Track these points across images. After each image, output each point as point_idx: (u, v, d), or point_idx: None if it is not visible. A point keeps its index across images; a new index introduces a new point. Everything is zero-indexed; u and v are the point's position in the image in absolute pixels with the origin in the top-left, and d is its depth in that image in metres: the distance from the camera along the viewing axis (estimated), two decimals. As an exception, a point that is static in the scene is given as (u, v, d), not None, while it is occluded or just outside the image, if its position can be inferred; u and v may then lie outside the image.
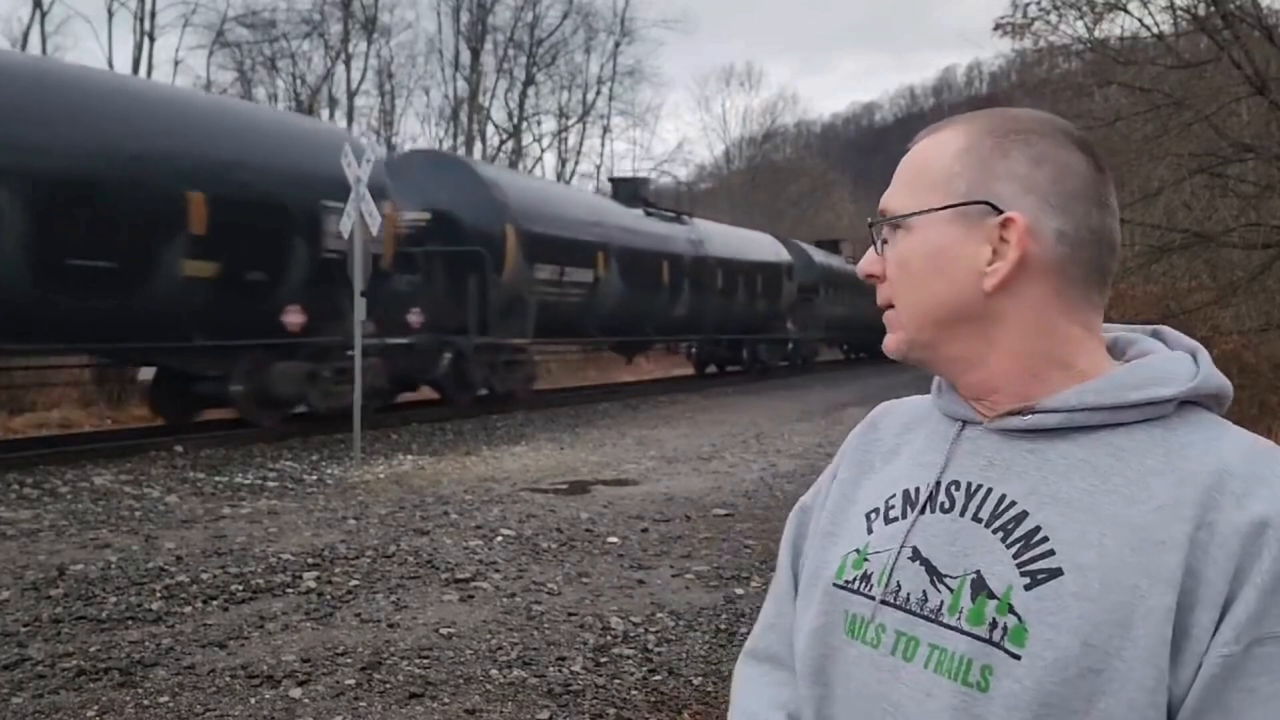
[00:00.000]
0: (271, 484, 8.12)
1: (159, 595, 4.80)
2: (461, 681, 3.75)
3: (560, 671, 3.87)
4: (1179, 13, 11.61)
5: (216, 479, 8.23)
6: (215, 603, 4.71)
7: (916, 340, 0.91)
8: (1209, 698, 0.75)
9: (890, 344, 0.94)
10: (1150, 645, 0.75)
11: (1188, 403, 0.85)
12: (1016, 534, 0.82)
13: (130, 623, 4.39)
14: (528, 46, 37.40)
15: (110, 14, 27.86)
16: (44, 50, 26.34)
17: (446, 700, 3.58)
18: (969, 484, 0.87)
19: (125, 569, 5.27)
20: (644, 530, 6.41)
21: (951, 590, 0.83)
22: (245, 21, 31.13)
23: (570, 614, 4.59)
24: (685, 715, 3.50)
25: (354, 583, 5.05)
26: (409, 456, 9.82)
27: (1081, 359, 0.87)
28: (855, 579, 0.90)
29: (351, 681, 3.72)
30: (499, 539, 6.10)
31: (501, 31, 36.90)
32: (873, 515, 0.93)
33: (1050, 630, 0.77)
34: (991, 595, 0.81)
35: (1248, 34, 9.45)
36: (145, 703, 3.51)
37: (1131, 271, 11.94)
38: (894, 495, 0.92)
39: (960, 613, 0.82)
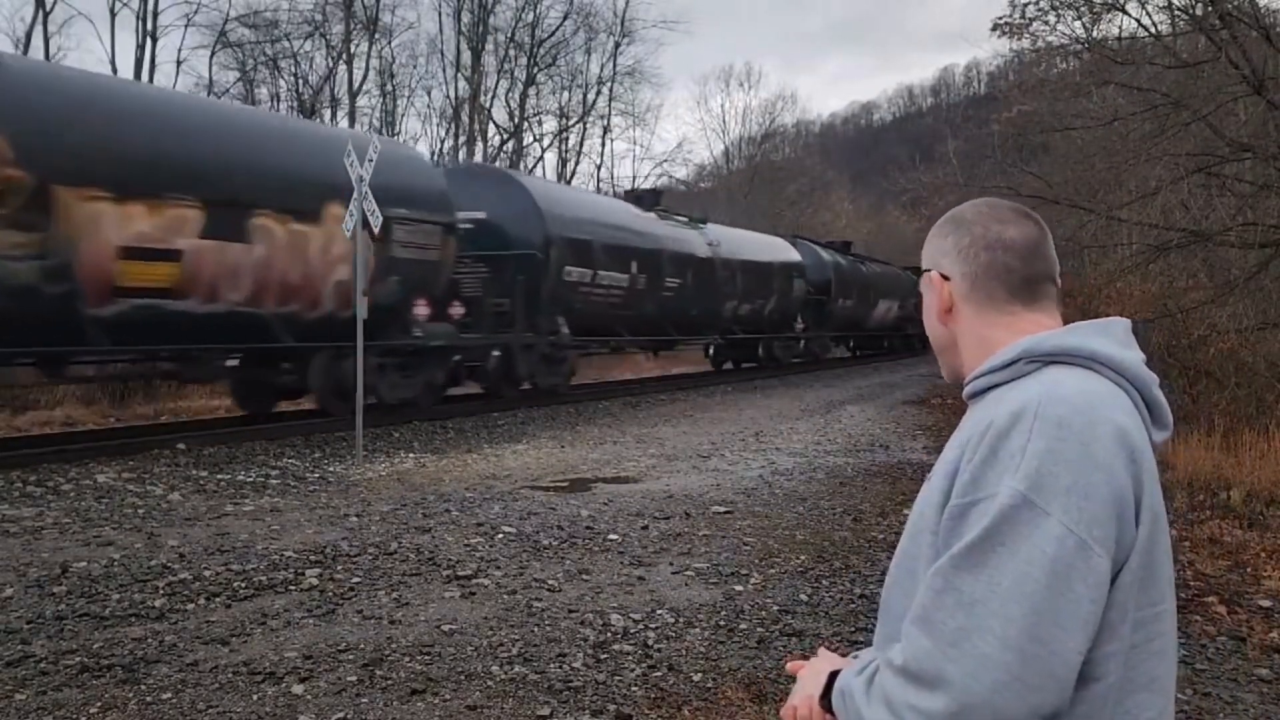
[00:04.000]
0: (274, 482, 8.15)
1: (162, 592, 4.82)
2: (463, 678, 3.78)
3: (561, 668, 3.90)
4: (1176, 13, 11.65)
5: (219, 477, 8.26)
6: (218, 600, 4.74)
7: (954, 364, 1.35)
8: (944, 539, 1.11)
9: (944, 371, 1.39)
10: (934, 506, 1.16)
11: (1055, 363, 1.17)
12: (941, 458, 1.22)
13: (133, 620, 4.42)
14: (528, 47, 37.40)
15: (113, 14, 27.84)
16: (45, 51, 26.35)
17: (448, 697, 3.60)
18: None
19: (128, 566, 5.30)
20: (644, 527, 6.44)
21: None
22: (247, 22, 31.14)
23: (571, 611, 4.62)
24: (685, 711, 3.53)
25: (356, 580, 5.08)
26: (410, 454, 9.84)
27: (999, 347, 1.24)
28: None
29: (353, 678, 3.75)
30: (500, 536, 6.12)
31: (502, 32, 36.91)
32: None
33: (919, 501, 1.21)
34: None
35: (1245, 34, 9.48)
36: (148, 699, 3.54)
37: (1129, 270, 11.98)
38: None
39: None
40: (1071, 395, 1.10)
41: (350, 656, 3.97)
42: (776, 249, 24.77)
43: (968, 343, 1.29)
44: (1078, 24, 12.95)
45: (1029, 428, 1.07)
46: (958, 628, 1.05)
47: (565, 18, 38.02)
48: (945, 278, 1.30)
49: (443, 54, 36.87)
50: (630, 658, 4.03)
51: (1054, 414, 1.08)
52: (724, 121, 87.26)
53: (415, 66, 40.72)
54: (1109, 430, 1.08)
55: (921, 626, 1.07)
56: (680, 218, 21.06)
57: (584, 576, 5.24)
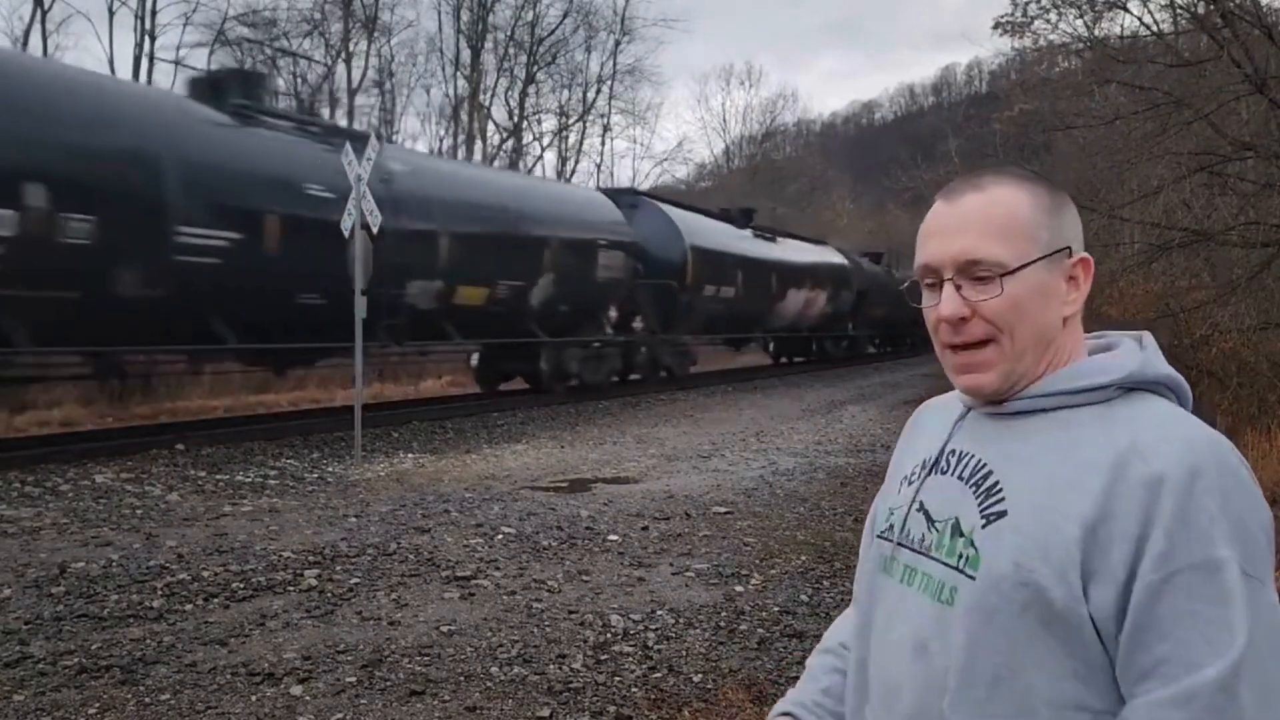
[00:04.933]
0: (272, 482, 8.13)
1: (160, 593, 4.81)
2: (462, 679, 3.76)
3: (560, 669, 3.88)
4: (1178, 11, 11.62)
5: (217, 477, 8.24)
6: (216, 600, 4.72)
7: (1016, 369, 1.10)
8: (1143, 616, 0.95)
9: (987, 380, 1.11)
10: (1061, 566, 0.99)
11: (1136, 389, 1.08)
12: (982, 487, 1.09)
13: (131, 620, 4.41)
14: (528, 45, 37.40)
15: (111, 13, 27.84)
16: (44, 49, 26.35)
17: (447, 698, 3.59)
18: (961, 452, 1.15)
19: (126, 567, 5.29)
20: (644, 528, 6.42)
21: (939, 532, 1.11)
22: (246, 20, 31.12)
23: (570, 611, 4.60)
24: (685, 713, 3.51)
25: (355, 580, 5.06)
26: (410, 454, 9.83)
27: (1071, 358, 1.13)
28: (887, 529, 1.19)
29: (352, 679, 3.73)
30: (499, 537, 6.11)
31: (502, 30, 36.91)
32: (903, 480, 1.21)
33: (993, 556, 1.03)
34: (961, 534, 1.08)
35: (1247, 32, 9.45)
36: (146, 700, 3.52)
37: (1131, 270, 11.96)
38: (918, 464, 1.20)
39: (944, 549, 1.09)
40: (1219, 438, 1.01)
41: (349, 657, 3.95)
42: (833, 258, 29.00)
43: (1044, 342, 1.10)
44: (1079, 23, 12.94)
45: (1205, 485, 0.96)
46: None
47: (565, 16, 38.07)
48: (1087, 262, 1.13)
49: (442, 52, 36.91)
50: (630, 659, 4.02)
51: (1232, 465, 0.99)
52: (724, 120, 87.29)
53: (414, 65, 40.65)
54: (1249, 473, 1.01)
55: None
56: (765, 233, 24.59)
57: (584, 577, 5.22)
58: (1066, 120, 13.99)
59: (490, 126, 37.11)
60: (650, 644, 4.19)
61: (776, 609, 4.71)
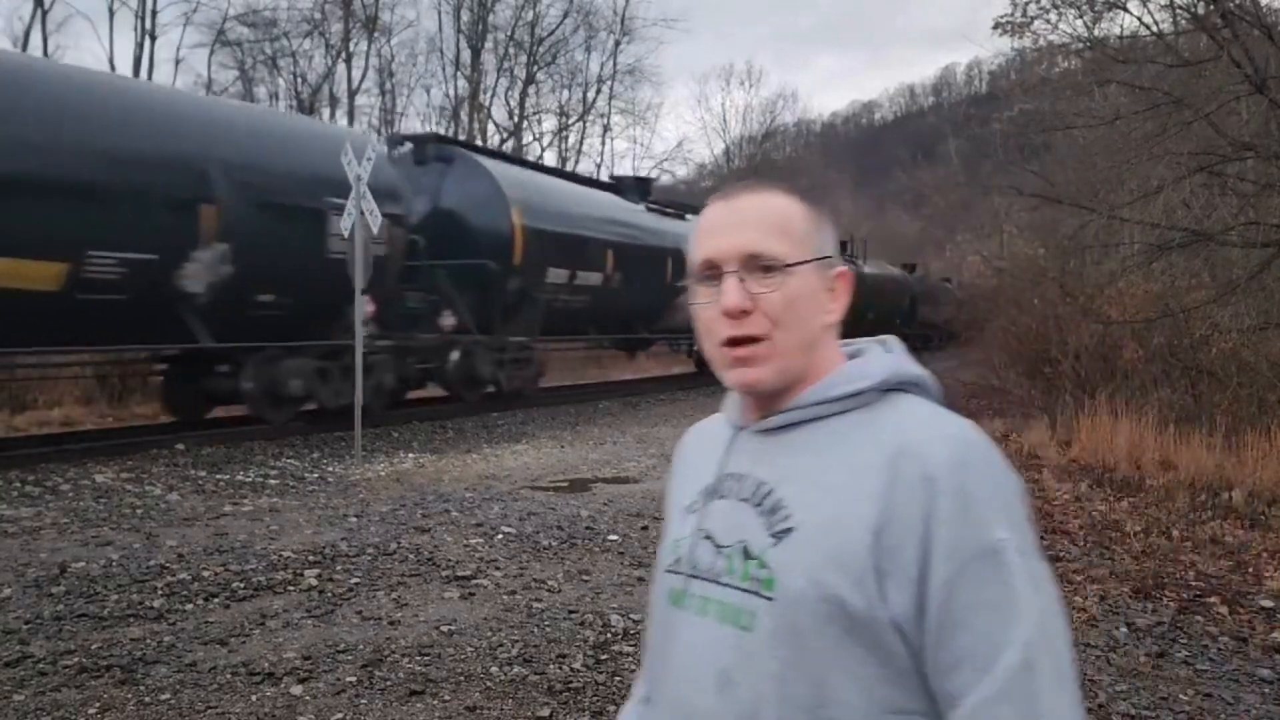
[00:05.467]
0: (273, 482, 8.14)
1: (160, 593, 4.81)
2: (462, 679, 3.77)
3: (561, 669, 3.89)
4: (1178, 11, 11.63)
5: (218, 477, 8.25)
6: (216, 600, 4.73)
7: (789, 368, 1.11)
8: (943, 612, 0.98)
9: (764, 375, 1.10)
10: (856, 574, 1.00)
11: (892, 391, 1.12)
12: (766, 506, 1.08)
13: (131, 620, 4.41)
14: (528, 45, 37.40)
15: (111, 13, 27.86)
16: (44, 49, 26.35)
17: (447, 698, 3.59)
18: (739, 474, 1.14)
19: (127, 566, 5.29)
20: (644, 528, 6.42)
21: (727, 557, 1.09)
22: (246, 20, 31.15)
23: (571, 611, 4.61)
24: (685, 712, 3.51)
25: (355, 580, 5.07)
26: (410, 454, 9.83)
27: (829, 366, 1.15)
28: (674, 562, 1.16)
29: (352, 679, 3.73)
30: (499, 536, 6.11)
31: (502, 30, 36.92)
32: (686, 511, 1.19)
33: (787, 574, 1.03)
34: (751, 556, 1.06)
35: (1247, 32, 9.45)
36: (146, 700, 3.53)
37: (1131, 270, 11.96)
38: (697, 493, 1.18)
39: (735, 574, 1.07)
40: (971, 427, 1.08)
41: (349, 657, 3.96)
42: (893, 271, 31.58)
43: (809, 346, 1.12)
44: (1079, 23, 12.96)
45: (975, 474, 1.01)
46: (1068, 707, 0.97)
47: (565, 16, 38.06)
48: (845, 275, 1.17)
49: (442, 52, 37.00)
50: (630, 659, 4.02)
51: (989, 450, 1.05)
52: (724, 120, 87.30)
53: (414, 65, 40.72)
54: (998, 451, 1.07)
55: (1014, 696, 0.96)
56: (670, 211, 21.00)
57: (584, 577, 5.23)
58: (1066, 120, 14.00)
59: (490, 126, 37.14)
60: (650, 644, 4.19)
61: (776, 609, 4.71)
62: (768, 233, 1.11)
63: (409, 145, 15.09)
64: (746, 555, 1.07)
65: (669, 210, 20.01)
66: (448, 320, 13.71)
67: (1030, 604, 0.98)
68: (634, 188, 19.44)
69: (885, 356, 1.17)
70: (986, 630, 0.97)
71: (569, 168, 39.78)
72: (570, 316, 16.04)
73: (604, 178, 30.00)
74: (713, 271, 1.11)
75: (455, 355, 13.47)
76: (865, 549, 0.99)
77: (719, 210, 1.14)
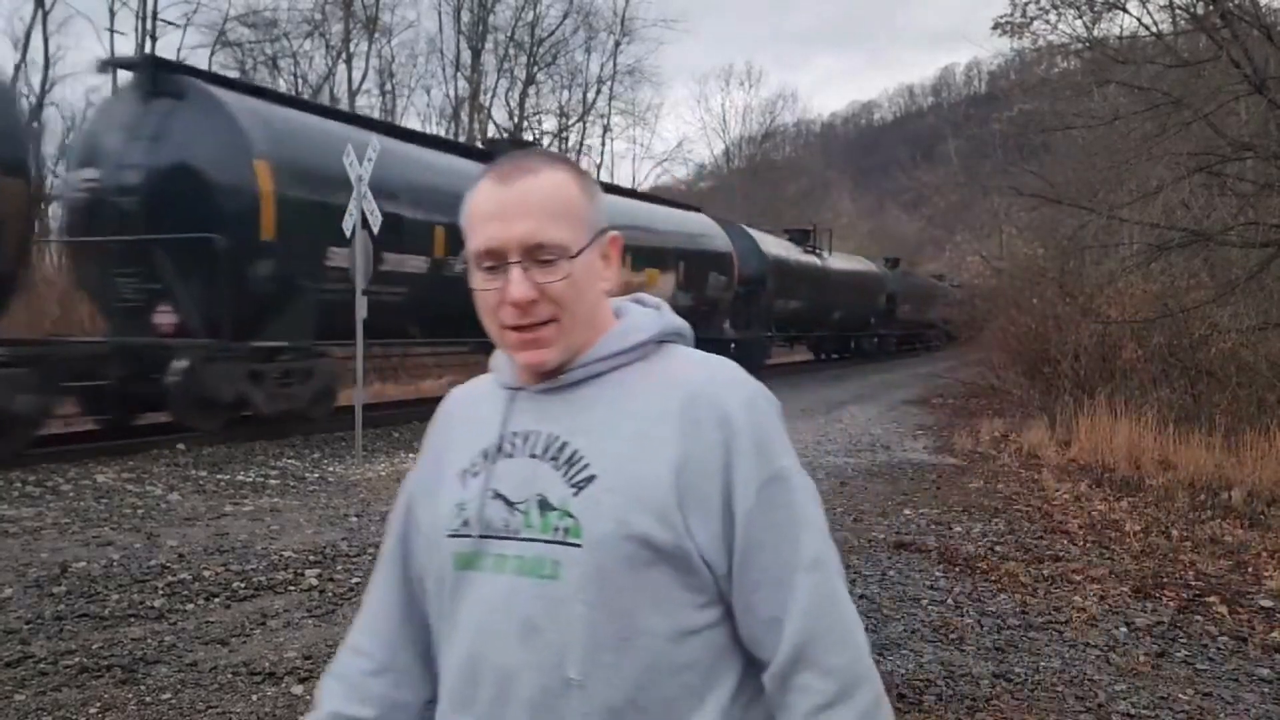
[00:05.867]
0: (273, 482, 8.14)
1: (161, 593, 4.82)
2: (463, 678, 3.76)
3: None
4: (1178, 12, 11.63)
5: (218, 477, 8.25)
6: (217, 600, 4.73)
7: (573, 344, 1.15)
8: (747, 536, 1.08)
9: (552, 355, 1.13)
10: (661, 511, 1.06)
11: (663, 342, 1.19)
12: (562, 459, 1.12)
13: (132, 620, 4.41)
14: (528, 46, 37.40)
15: (112, 13, 27.85)
16: (45, 50, 26.31)
17: (448, 697, 3.59)
18: (525, 432, 1.16)
19: (127, 566, 5.29)
20: (644, 528, 6.42)
21: (523, 512, 1.11)
22: (247, 21, 31.12)
23: (571, 611, 4.61)
24: (685, 711, 3.52)
25: (356, 580, 5.07)
26: (411, 454, 9.83)
27: (609, 321, 1.19)
28: (461, 525, 1.15)
29: (353, 678, 3.73)
30: (499, 537, 6.11)
31: (502, 31, 36.91)
32: (465, 474, 1.18)
33: (593, 520, 1.07)
34: (553, 508, 1.10)
35: (1246, 33, 9.46)
36: (147, 700, 3.53)
37: (1130, 270, 11.97)
38: (476, 455, 1.18)
39: (534, 527, 1.10)
40: (739, 367, 1.18)
41: (350, 657, 3.96)
42: (868, 266, 31.17)
43: (592, 317, 1.17)
44: (1078, 23, 12.98)
45: (760, 413, 1.13)
46: (849, 621, 1.12)
47: (565, 17, 38.06)
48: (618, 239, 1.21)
49: (442, 53, 37.06)
50: (630, 658, 4.02)
51: (761, 387, 1.16)
52: (724, 121, 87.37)
53: (415, 66, 40.73)
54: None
55: (826, 634, 1.09)
56: (817, 251, 26.89)
57: (584, 576, 5.23)
58: (1066, 120, 14.01)
59: (490, 127, 37.13)
60: (650, 643, 4.19)
61: (776, 608, 4.71)
62: (550, 220, 1.11)
63: (130, 74, 11.03)
64: (546, 507, 1.10)
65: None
66: (164, 317, 10.15)
67: (810, 514, 1.12)
68: (483, 152, 14.88)
69: (652, 311, 1.22)
70: (786, 541, 1.09)
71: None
72: (381, 315, 10.67)
73: (603, 179, 29.57)
74: (494, 261, 1.11)
75: (180, 366, 9.56)
76: (669, 487, 1.07)
77: (495, 193, 1.12)
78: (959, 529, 6.62)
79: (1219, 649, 4.33)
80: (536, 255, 1.10)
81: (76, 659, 3.89)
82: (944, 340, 39.36)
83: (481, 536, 1.13)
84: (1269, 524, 6.91)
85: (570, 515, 1.08)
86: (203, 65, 27.51)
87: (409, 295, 12.03)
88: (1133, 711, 3.58)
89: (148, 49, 27.54)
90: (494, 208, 1.12)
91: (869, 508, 7.27)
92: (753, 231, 23.45)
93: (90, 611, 4.51)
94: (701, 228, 20.26)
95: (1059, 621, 4.61)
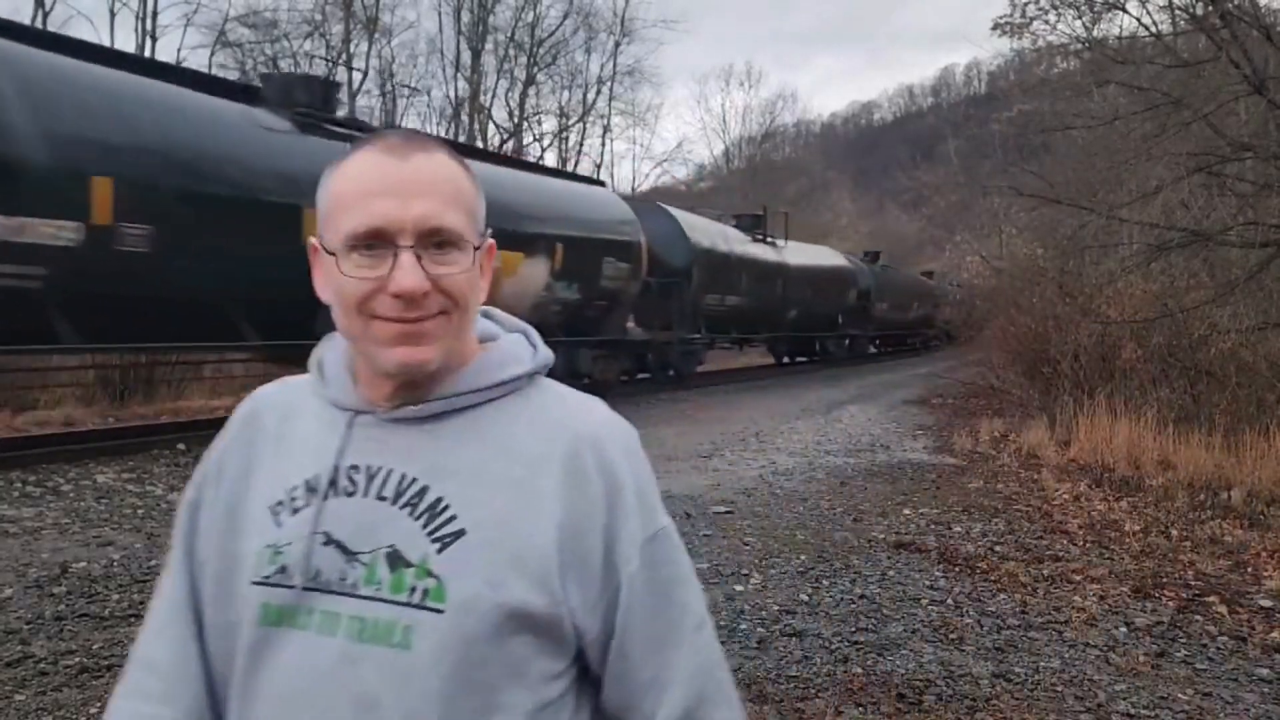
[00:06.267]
0: (272, 482, 8.12)
1: (161, 593, 4.81)
2: (463, 678, 3.77)
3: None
4: (1177, 12, 11.65)
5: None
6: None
7: (453, 351, 1.00)
8: (635, 598, 0.98)
9: (433, 355, 0.97)
10: (541, 573, 0.94)
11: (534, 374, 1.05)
12: (422, 507, 0.95)
13: (133, 620, 4.41)
14: (528, 46, 37.44)
15: (112, 14, 27.87)
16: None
17: (448, 696, 3.59)
18: (369, 467, 0.98)
19: (128, 566, 5.30)
20: (644, 528, 6.42)
21: (365, 565, 0.94)
22: (247, 21, 31.13)
23: (571, 611, 4.61)
24: (685, 711, 3.52)
25: (355, 580, 5.07)
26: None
27: (471, 349, 1.03)
28: (276, 571, 0.96)
29: (353, 678, 3.73)
30: (499, 537, 6.11)
31: (502, 31, 36.96)
32: (279, 508, 0.99)
33: (461, 581, 0.92)
34: (409, 564, 0.93)
35: (1246, 33, 9.47)
36: (149, 699, 3.53)
37: (1130, 270, 11.97)
38: (296, 486, 0.99)
39: (380, 584, 0.93)
40: (615, 412, 1.06)
41: (350, 657, 3.96)
42: (833, 259, 27.90)
43: (470, 331, 1.02)
44: (1078, 23, 12.98)
45: (639, 460, 1.03)
46: (729, 679, 1.06)
47: (565, 17, 38.12)
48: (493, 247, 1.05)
49: (442, 54, 37.14)
50: (630, 658, 4.02)
51: (633, 431, 1.06)
52: (724, 121, 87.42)
53: (415, 66, 40.74)
54: None
55: (713, 693, 1.03)
56: (770, 239, 23.56)
57: (584, 577, 5.23)
58: (1065, 121, 14.02)
59: (491, 127, 37.15)
60: (650, 643, 4.19)
61: (776, 608, 4.72)
62: (448, 204, 0.97)
63: None
64: (399, 563, 0.93)
65: (336, 129, 10.87)
66: None
67: (690, 566, 1.04)
68: (282, 91, 10.82)
69: (522, 339, 1.08)
70: (670, 602, 1.00)
71: (569, 169, 39.67)
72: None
73: (603, 178, 28.68)
74: (379, 241, 0.94)
75: None
76: (553, 546, 0.94)
77: (387, 166, 0.96)
78: (959, 529, 6.63)
79: (1219, 649, 4.33)
80: (432, 241, 0.95)
81: (77, 659, 3.90)
82: (936, 342, 37.58)
83: (306, 589, 0.94)
84: (1269, 524, 6.92)
85: (431, 575, 0.92)
86: (203, 66, 27.57)
87: (49, 279, 8.07)
88: (1132, 711, 3.59)
89: (148, 49, 27.57)
90: (386, 183, 0.95)
91: (869, 508, 7.27)
92: (677, 213, 19.81)
93: (90, 611, 4.51)
94: (597, 205, 16.12)
95: (1059, 621, 4.61)
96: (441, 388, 1.00)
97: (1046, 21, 12.61)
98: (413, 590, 0.92)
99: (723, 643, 3.63)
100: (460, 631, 0.91)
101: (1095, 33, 12.84)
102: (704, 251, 19.56)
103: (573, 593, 0.95)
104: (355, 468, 0.98)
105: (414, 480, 0.96)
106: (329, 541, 0.95)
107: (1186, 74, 10.61)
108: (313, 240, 1.02)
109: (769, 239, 23.86)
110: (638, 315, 17.25)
